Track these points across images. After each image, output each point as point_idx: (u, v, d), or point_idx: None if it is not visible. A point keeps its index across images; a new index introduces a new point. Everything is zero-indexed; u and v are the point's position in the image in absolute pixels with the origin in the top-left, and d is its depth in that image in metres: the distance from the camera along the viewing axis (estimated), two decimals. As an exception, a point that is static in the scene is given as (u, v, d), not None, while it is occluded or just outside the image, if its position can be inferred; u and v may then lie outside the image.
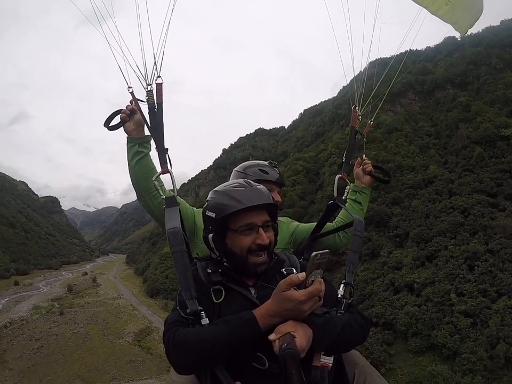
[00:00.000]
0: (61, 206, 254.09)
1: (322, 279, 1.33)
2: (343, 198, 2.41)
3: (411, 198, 47.81)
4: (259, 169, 2.40)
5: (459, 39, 74.96)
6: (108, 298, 65.80)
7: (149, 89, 1.80)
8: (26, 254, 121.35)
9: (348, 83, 2.65)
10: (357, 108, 2.46)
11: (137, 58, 1.77)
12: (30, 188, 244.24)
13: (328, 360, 1.39)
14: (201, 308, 1.39)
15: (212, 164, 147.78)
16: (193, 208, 2.28)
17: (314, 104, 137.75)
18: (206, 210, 1.61)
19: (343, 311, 1.53)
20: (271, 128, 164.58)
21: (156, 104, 1.79)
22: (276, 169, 2.47)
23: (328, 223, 2.44)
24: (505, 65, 61.96)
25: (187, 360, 1.32)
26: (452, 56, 76.15)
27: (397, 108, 72.39)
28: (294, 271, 1.57)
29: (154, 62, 1.76)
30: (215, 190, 1.67)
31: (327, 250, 1.32)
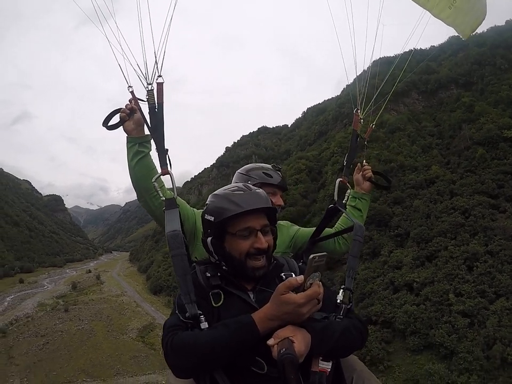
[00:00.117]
0: (64, 204, 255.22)
1: (320, 282, 1.34)
2: (344, 202, 2.43)
3: (412, 198, 47.85)
4: (263, 172, 2.39)
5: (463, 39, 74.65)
6: (112, 295, 66.27)
7: (149, 88, 1.80)
8: (31, 252, 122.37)
9: (351, 82, 2.65)
10: (359, 111, 2.47)
11: (138, 58, 1.74)
12: (34, 187, 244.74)
13: (326, 365, 1.39)
14: (200, 312, 1.40)
15: (214, 162, 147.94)
16: (194, 209, 2.26)
17: (317, 103, 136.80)
18: (205, 214, 1.61)
19: (342, 316, 1.54)
20: (274, 126, 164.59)
21: (156, 104, 1.79)
22: (279, 173, 2.47)
23: (327, 229, 2.46)
24: (509, 65, 61.53)
25: (186, 364, 1.34)
26: (456, 55, 75.50)
27: (400, 107, 72.12)
28: (293, 275, 1.57)
29: (155, 61, 1.75)
30: (214, 194, 1.67)
31: (325, 253, 1.33)
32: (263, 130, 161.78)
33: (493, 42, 66.92)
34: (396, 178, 52.49)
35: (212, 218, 1.54)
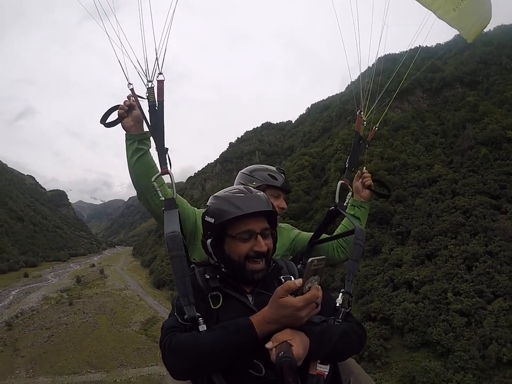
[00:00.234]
0: (68, 199, 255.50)
1: (319, 286, 1.34)
2: (345, 204, 2.41)
3: (414, 197, 48.13)
4: (268, 174, 2.37)
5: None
6: (115, 289, 66.57)
7: (149, 86, 1.76)
8: (35, 247, 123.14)
9: (355, 79, 2.60)
10: (362, 113, 2.44)
11: (138, 54, 1.70)
12: (38, 182, 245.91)
13: (324, 369, 1.39)
14: (199, 314, 1.39)
15: (218, 157, 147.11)
16: (195, 208, 2.23)
17: (321, 99, 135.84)
18: (205, 216, 1.60)
19: (340, 320, 1.53)
20: (278, 122, 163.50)
21: (156, 102, 1.76)
22: (283, 175, 2.45)
23: (324, 235, 2.44)
24: (515, 65, 61.02)
25: (184, 365, 1.33)
26: (462, 54, 74.79)
27: (404, 105, 71.81)
28: (292, 278, 1.57)
29: (156, 58, 1.72)
30: (215, 196, 1.65)
31: (324, 256, 1.33)
32: (267, 126, 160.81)
33: (500, 41, 66.32)
34: (399, 177, 52.75)
35: (212, 220, 1.53)
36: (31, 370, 32.75)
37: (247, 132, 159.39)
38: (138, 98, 1.86)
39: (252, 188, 1.64)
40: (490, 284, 32.64)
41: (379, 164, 55.41)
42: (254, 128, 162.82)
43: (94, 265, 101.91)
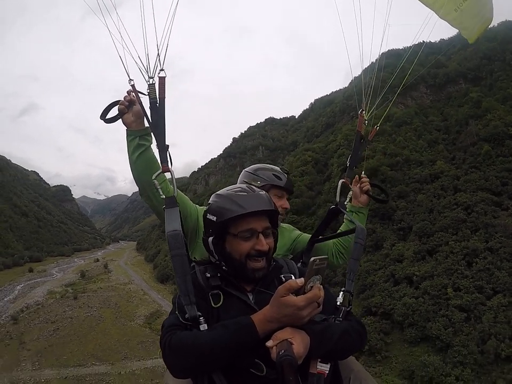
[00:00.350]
0: (72, 194, 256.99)
1: (321, 285, 1.33)
2: (345, 203, 2.40)
3: (417, 193, 48.14)
4: (273, 174, 2.37)
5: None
6: (120, 283, 67.04)
7: (150, 82, 1.74)
8: (39, 242, 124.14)
9: (358, 76, 2.60)
10: (364, 112, 2.44)
11: (140, 50, 1.68)
12: (42, 178, 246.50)
13: (324, 368, 1.38)
14: (200, 314, 1.39)
15: (222, 152, 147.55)
16: (197, 206, 2.22)
17: (325, 94, 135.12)
18: (207, 214, 1.60)
19: (341, 319, 1.53)
20: (281, 117, 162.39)
21: (157, 99, 1.74)
22: (287, 175, 2.44)
23: (326, 243, 2.45)
24: (520, 62, 60.51)
25: (184, 364, 1.33)
26: (465, 49, 74.08)
27: (407, 101, 71.38)
28: (293, 277, 1.57)
29: (158, 54, 1.69)
30: (217, 194, 1.65)
31: (326, 256, 1.34)
32: (270, 121, 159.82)
33: (504, 37, 65.58)
34: (401, 172, 52.78)
35: (214, 218, 1.53)
36: (37, 363, 33.14)
37: (250, 127, 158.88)
38: (140, 94, 1.84)
39: (254, 187, 1.65)
40: (490, 280, 32.72)
41: (382, 160, 55.43)
42: (257, 123, 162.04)
43: (98, 260, 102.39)
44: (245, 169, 2.50)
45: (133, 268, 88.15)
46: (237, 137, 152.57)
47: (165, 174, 1.84)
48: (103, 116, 1.95)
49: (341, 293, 1.63)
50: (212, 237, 1.57)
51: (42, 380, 29.79)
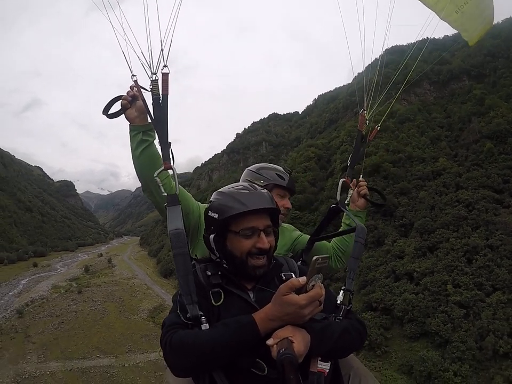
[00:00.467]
0: (75, 189, 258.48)
1: (322, 284, 1.33)
2: (346, 202, 2.41)
3: (418, 189, 48.26)
4: (276, 174, 2.37)
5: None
6: (123, 278, 67.35)
7: (153, 78, 1.71)
8: (43, 237, 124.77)
9: (361, 71, 2.59)
10: (365, 112, 2.44)
11: (143, 45, 1.67)
12: (45, 173, 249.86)
13: (325, 366, 1.39)
14: (201, 313, 1.39)
15: (225, 148, 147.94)
16: (199, 203, 2.22)
17: (328, 90, 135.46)
18: (208, 211, 1.59)
19: (341, 317, 1.54)
20: (285, 113, 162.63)
21: (160, 96, 1.71)
22: (289, 175, 2.45)
23: (326, 243, 2.48)
24: (524, 59, 60.08)
25: (186, 363, 1.32)
26: (469, 46, 73.61)
27: (411, 97, 71.26)
28: (293, 275, 1.58)
29: (161, 50, 1.68)
30: (219, 191, 1.65)
31: (327, 255, 1.34)
32: (274, 117, 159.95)
33: (508, 34, 64.99)
34: (403, 169, 52.86)
35: (216, 216, 1.53)
36: (42, 355, 33.45)
37: (254, 123, 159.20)
38: (143, 90, 1.83)
39: (256, 185, 1.66)
40: (490, 277, 32.79)
41: (384, 156, 55.52)
42: (261, 119, 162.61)
43: (101, 255, 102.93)
44: (248, 168, 2.50)
45: (137, 263, 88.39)
46: (240, 132, 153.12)
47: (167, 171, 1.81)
48: (105, 111, 1.93)
49: (341, 291, 1.66)
50: (213, 235, 1.56)
51: (48, 372, 30.11)
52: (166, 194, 1.70)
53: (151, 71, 1.71)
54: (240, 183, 1.81)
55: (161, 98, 1.71)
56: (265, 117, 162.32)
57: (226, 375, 1.37)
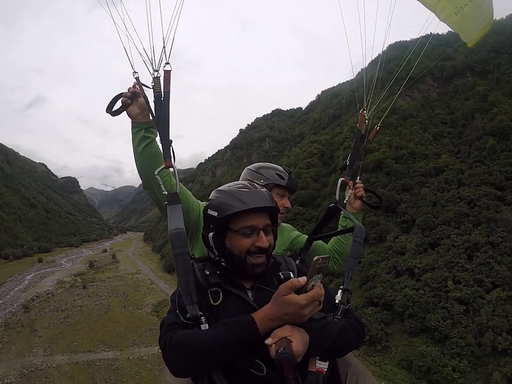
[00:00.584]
0: (79, 186, 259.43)
1: (322, 284, 1.33)
2: (344, 202, 2.38)
3: (421, 186, 48.35)
4: (276, 173, 2.36)
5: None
6: (128, 273, 68.06)
7: (155, 75, 1.69)
8: (48, 233, 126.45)
9: (359, 78, 2.58)
10: (364, 111, 2.43)
11: (145, 42, 1.65)
12: (49, 169, 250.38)
13: (323, 365, 1.38)
14: (201, 313, 1.38)
15: (228, 144, 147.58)
16: (199, 201, 2.20)
17: (332, 86, 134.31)
18: (208, 209, 1.58)
19: (339, 317, 1.53)
20: (288, 109, 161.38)
21: (162, 93, 1.69)
22: (289, 175, 2.43)
23: (324, 244, 2.49)
24: (527, 55, 59.48)
25: (185, 363, 1.31)
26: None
27: (414, 93, 70.84)
28: (291, 274, 1.57)
29: (163, 47, 1.65)
30: (218, 189, 1.64)
31: (328, 255, 1.34)
32: (277, 112, 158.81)
33: (512, 30, 64.34)
34: (406, 166, 52.85)
35: (215, 214, 1.52)
36: (48, 349, 33.97)
37: (257, 119, 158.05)
38: (145, 87, 1.81)
39: (255, 184, 1.64)
40: (490, 274, 32.92)
41: (387, 153, 55.53)
42: (264, 114, 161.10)
43: (106, 251, 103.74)
44: (248, 167, 2.49)
45: (141, 258, 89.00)
46: (243, 128, 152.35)
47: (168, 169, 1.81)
48: (108, 109, 1.91)
49: (340, 290, 1.65)
50: (212, 233, 1.55)
51: (54, 365, 30.60)
52: (166, 192, 1.69)
53: (153, 68, 1.69)
54: (240, 181, 1.78)
55: (162, 96, 1.70)
56: (269, 112, 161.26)
57: (225, 375, 1.36)
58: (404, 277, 36.88)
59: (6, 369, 29.07)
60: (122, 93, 1.89)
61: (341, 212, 2.40)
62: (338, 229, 2.44)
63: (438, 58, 65.73)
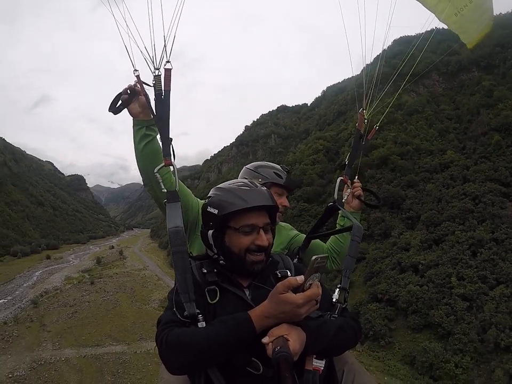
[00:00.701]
0: (86, 183, 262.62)
1: (319, 283, 1.32)
2: (343, 201, 2.39)
3: (426, 182, 48.36)
4: (274, 172, 2.36)
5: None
6: (134, 269, 68.35)
7: (156, 73, 1.69)
8: (55, 230, 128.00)
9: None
10: (364, 111, 2.41)
11: (146, 40, 1.65)
12: (56, 167, 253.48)
13: (320, 364, 1.39)
14: (198, 311, 1.39)
15: (234, 140, 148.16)
16: (198, 199, 2.19)
17: (337, 82, 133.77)
18: (207, 206, 1.57)
19: (336, 315, 1.53)
20: (294, 105, 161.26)
21: (163, 91, 1.69)
22: (287, 173, 2.43)
23: (322, 244, 2.48)
24: (533, 50, 58.73)
25: (182, 361, 1.31)
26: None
27: (419, 89, 70.58)
28: (289, 273, 1.56)
29: (164, 45, 1.65)
30: (218, 187, 1.63)
31: (326, 254, 1.33)
32: (283, 109, 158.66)
33: (517, 24, 63.20)
34: (411, 162, 52.77)
35: (216, 211, 1.51)
36: (57, 343, 34.27)
37: (262, 115, 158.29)
38: (146, 85, 1.80)
39: (256, 182, 1.64)
40: (494, 271, 32.82)
41: (392, 149, 55.48)
42: (269, 111, 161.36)
43: (113, 247, 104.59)
44: (246, 166, 2.49)
45: (147, 255, 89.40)
46: (249, 125, 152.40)
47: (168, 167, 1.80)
48: (111, 107, 1.90)
49: (337, 289, 1.66)
50: (212, 230, 1.54)
51: (63, 359, 30.98)
52: (166, 190, 1.69)
53: (154, 67, 1.69)
54: (240, 179, 1.77)
55: (163, 94, 1.70)
56: (274, 109, 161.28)
57: (222, 373, 1.36)
58: (408, 273, 36.94)
59: (16, 362, 29.53)
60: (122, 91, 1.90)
61: (339, 211, 2.42)
62: (337, 228, 2.45)
63: (443, 53, 65.39)
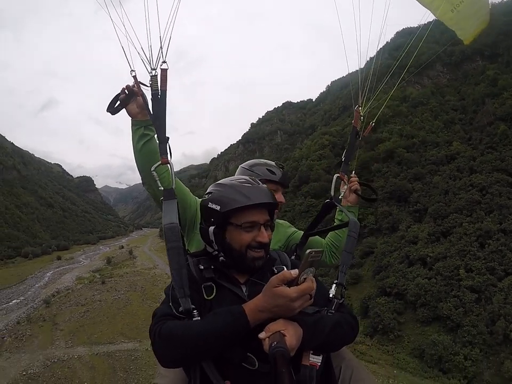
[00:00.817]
0: (94, 184, 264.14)
1: (314, 277, 1.32)
2: (339, 198, 2.39)
3: (433, 174, 48.10)
4: (267, 169, 2.37)
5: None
6: (145, 268, 68.61)
7: (153, 74, 1.72)
8: (65, 231, 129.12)
9: (360, 65, 2.50)
10: (360, 108, 2.43)
11: (143, 41, 1.65)
12: (65, 170, 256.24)
13: (316, 360, 1.39)
14: (193, 306, 1.38)
15: (240, 138, 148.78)
16: (196, 198, 2.20)
17: (341, 76, 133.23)
18: (208, 202, 1.56)
19: (333, 311, 1.53)
20: (299, 101, 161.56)
21: (159, 91, 1.72)
22: (282, 170, 2.44)
23: (320, 239, 2.50)
24: (537, 37, 57.84)
25: (175, 354, 1.31)
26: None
27: (424, 81, 70.17)
28: (285, 268, 1.54)
29: (160, 46, 1.67)
30: (219, 183, 1.63)
31: (321, 249, 1.34)
32: (288, 105, 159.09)
33: (521, 12, 62.09)
34: (417, 154, 52.53)
35: (218, 208, 1.50)
36: (70, 341, 34.70)
37: (268, 112, 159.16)
38: (142, 86, 1.82)
39: (257, 179, 1.65)
40: (502, 262, 32.59)
41: (398, 142, 55.30)
42: (274, 108, 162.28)
43: (122, 247, 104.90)
44: (241, 165, 2.50)
45: (157, 254, 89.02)
46: (255, 122, 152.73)
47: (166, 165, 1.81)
48: (109, 108, 1.93)
49: (334, 285, 1.64)
50: (213, 227, 1.53)
51: (76, 356, 31.42)
52: (162, 188, 1.70)
53: (151, 67, 1.71)
54: (240, 176, 1.80)
55: (159, 94, 1.72)
56: (279, 105, 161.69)
57: (218, 369, 1.36)
58: (416, 266, 36.83)
59: (30, 360, 30.03)
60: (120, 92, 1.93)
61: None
62: (335, 222, 2.48)
63: (447, 44, 64.60)
